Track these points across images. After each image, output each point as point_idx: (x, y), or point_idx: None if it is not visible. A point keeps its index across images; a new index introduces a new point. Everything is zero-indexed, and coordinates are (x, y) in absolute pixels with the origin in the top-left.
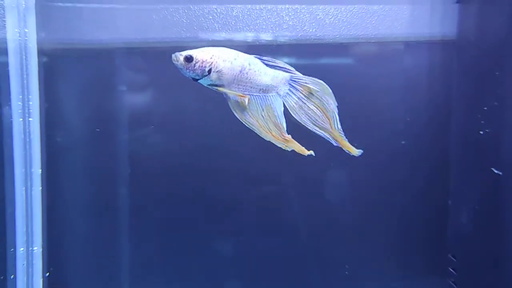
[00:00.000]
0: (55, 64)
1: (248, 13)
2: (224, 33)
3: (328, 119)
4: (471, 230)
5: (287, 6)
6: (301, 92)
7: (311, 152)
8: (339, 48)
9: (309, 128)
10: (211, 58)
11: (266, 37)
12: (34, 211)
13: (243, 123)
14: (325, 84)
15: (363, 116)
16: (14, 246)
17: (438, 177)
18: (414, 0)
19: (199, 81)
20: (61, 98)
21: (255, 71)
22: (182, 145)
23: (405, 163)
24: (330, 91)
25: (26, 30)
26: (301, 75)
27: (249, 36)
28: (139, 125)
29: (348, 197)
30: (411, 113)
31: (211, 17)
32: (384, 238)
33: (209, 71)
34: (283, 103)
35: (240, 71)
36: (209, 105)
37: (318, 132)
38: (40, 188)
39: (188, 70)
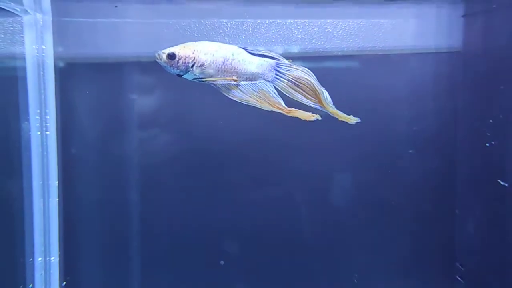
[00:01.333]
0: (70, 78)
1: (258, 26)
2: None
3: (318, 97)
4: (478, 239)
5: (296, 20)
6: (288, 76)
7: (318, 117)
8: (347, 60)
9: (304, 103)
10: (193, 53)
11: (275, 50)
12: (51, 222)
13: (243, 102)
14: (308, 70)
15: (370, 126)
16: (32, 256)
17: (445, 187)
18: (421, 14)
19: (183, 76)
20: (76, 110)
21: (239, 61)
22: (193, 154)
23: (412, 173)
24: (314, 76)
25: (44, 47)
26: (286, 61)
27: (259, 49)
28: (152, 136)
29: (355, 207)
30: (417, 123)
31: (221, 31)
32: (392, 247)
33: (192, 65)
34: (274, 86)
35: (224, 62)
36: (218, 117)
37: (313, 106)
38: (57, 199)
39: (172, 67)
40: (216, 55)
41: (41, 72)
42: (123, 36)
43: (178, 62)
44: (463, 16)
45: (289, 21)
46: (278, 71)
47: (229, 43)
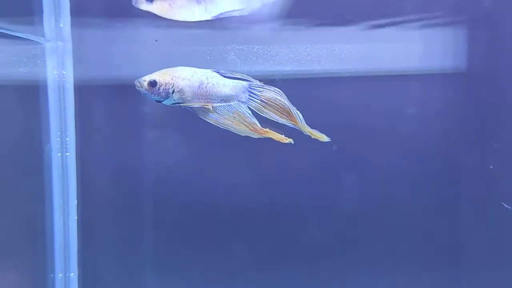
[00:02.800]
0: (89, 100)
1: (268, 49)
2: (245, 68)
3: (292, 117)
4: (483, 260)
5: (306, 46)
6: (261, 97)
7: (290, 140)
8: (353, 81)
9: (278, 121)
10: (172, 79)
11: (285, 71)
12: (70, 240)
13: (218, 125)
14: (280, 90)
15: (376, 146)
16: (53, 272)
17: (449, 208)
18: (426, 39)
19: (162, 102)
20: (94, 132)
21: (213, 84)
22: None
23: (416, 196)
24: (285, 96)
25: (64, 72)
26: (258, 82)
27: (269, 71)
28: (167, 156)
29: (361, 228)
30: (422, 143)
31: (233, 54)
32: (398, 271)
33: (172, 91)
34: (249, 107)
35: (199, 86)
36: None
37: (287, 124)
38: (76, 217)
39: (153, 94)
40: (192, 80)
41: (62, 96)
42: (141, 60)
43: (159, 89)
44: (467, 40)
45: (300, 46)
46: (251, 92)
47: (240, 65)
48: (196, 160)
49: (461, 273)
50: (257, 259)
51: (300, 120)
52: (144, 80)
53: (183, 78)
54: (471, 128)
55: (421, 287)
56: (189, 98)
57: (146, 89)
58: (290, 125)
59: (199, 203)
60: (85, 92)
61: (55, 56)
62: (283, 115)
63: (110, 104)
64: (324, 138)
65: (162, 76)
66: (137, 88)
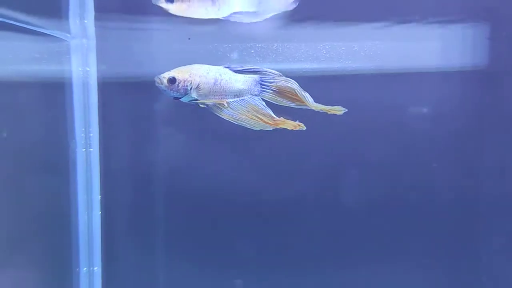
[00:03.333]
0: (112, 96)
1: (287, 47)
2: (264, 66)
3: (303, 102)
4: (503, 256)
5: (325, 44)
6: (272, 87)
7: (303, 127)
8: (372, 79)
9: (291, 106)
10: (190, 76)
11: (304, 68)
12: (94, 234)
13: (232, 121)
14: (290, 78)
15: (395, 145)
16: (78, 266)
17: (470, 208)
18: (446, 36)
19: (181, 99)
20: (115, 127)
21: (226, 80)
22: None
23: (437, 193)
24: (296, 82)
25: (88, 69)
26: (270, 70)
27: (288, 68)
28: (188, 152)
29: (376, 226)
30: (442, 141)
31: (252, 51)
32: (415, 267)
33: (191, 88)
34: (262, 99)
35: (214, 83)
36: None
37: (300, 107)
38: (100, 212)
39: (172, 91)
40: (208, 77)
41: (86, 93)
42: (162, 57)
43: (178, 86)
44: (488, 38)
45: (319, 44)
46: (263, 84)
47: (259, 62)
48: (216, 156)
49: (480, 268)
50: (267, 256)
51: (311, 102)
52: (164, 77)
53: (200, 75)
54: (491, 126)
55: (441, 283)
56: (205, 95)
57: (165, 86)
58: (302, 107)
59: (219, 198)
60: (106, 88)
61: (80, 53)
62: (295, 100)
63: (131, 100)
64: (339, 110)
65: (180, 73)
66: (157, 85)
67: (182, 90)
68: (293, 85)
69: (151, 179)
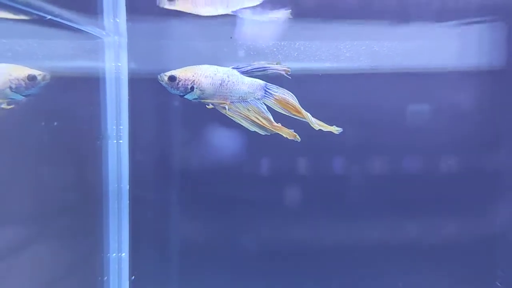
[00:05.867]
0: (141, 91)
1: (309, 45)
2: (286, 64)
3: (304, 117)
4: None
5: (346, 43)
6: (275, 96)
7: (298, 138)
8: (392, 77)
9: (292, 116)
10: (193, 76)
11: (324, 67)
12: (123, 222)
13: (232, 119)
14: (292, 93)
15: (413, 143)
16: (108, 251)
17: (487, 205)
18: (464, 36)
19: (185, 96)
20: (143, 121)
21: (233, 82)
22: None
23: (454, 191)
24: (296, 99)
25: (119, 64)
26: (278, 66)
27: (309, 67)
28: (212, 146)
29: (397, 227)
30: (460, 141)
31: (275, 49)
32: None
33: (192, 88)
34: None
35: (221, 84)
36: None
37: (300, 119)
38: (128, 202)
39: (172, 88)
40: (215, 78)
41: (118, 88)
42: (189, 55)
43: (178, 84)
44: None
45: (339, 43)
46: (267, 91)
47: (281, 61)
48: (240, 151)
49: (496, 262)
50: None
51: (310, 119)
52: (165, 75)
53: (206, 75)
54: (508, 126)
55: (457, 277)
56: (211, 95)
57: (166, 83)
58: (302, 119)
59: (245, 193)
60: (136, 84)
61: (112, 50)
62: (294, 112)
63: (159, 95)
64: (335, 130)
65: (183, 73)
66: (159, 81)
67: (182, 88)
68: (294, 100)
69: (176, 171)
